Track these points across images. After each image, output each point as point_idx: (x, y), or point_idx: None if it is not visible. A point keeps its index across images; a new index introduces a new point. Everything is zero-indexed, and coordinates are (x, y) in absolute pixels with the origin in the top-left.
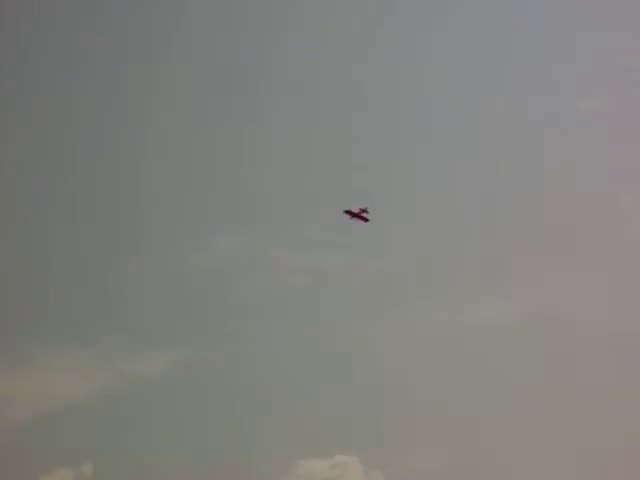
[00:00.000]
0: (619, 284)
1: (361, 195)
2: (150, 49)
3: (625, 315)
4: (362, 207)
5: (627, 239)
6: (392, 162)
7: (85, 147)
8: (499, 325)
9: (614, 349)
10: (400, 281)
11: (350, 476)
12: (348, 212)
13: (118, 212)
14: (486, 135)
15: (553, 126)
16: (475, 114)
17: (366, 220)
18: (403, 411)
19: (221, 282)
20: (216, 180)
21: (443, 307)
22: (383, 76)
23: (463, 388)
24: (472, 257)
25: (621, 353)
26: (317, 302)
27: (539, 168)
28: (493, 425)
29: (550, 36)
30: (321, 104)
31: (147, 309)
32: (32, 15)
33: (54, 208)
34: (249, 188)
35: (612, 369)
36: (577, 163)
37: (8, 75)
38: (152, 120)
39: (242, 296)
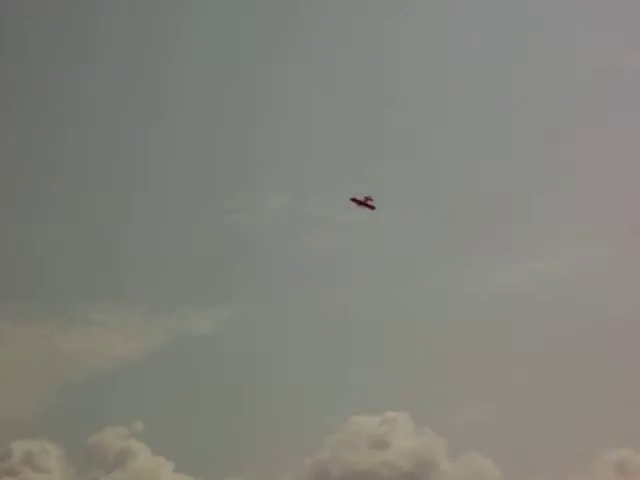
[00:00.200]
0: None
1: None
2: None
3: None
4: (367, 196)
5: None
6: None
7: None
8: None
9: None
10: (447, 238)
11: (400, 432)
12: (354, 200)
13: (169, 171)
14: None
15: None
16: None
17: (372, 207)
18: (452, 369)
19: (270, 240)
20: (266, 139)
21: (490, 265)
22: None
23: (510, 346)
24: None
25: None
26: (364, 259)
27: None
28: (538, 381)
29: None
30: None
31: (196, 268)
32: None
33: (104, 169)
34: (298, 147)
35: None
36: None
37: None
38: (205, 84)
39: (290, 254)
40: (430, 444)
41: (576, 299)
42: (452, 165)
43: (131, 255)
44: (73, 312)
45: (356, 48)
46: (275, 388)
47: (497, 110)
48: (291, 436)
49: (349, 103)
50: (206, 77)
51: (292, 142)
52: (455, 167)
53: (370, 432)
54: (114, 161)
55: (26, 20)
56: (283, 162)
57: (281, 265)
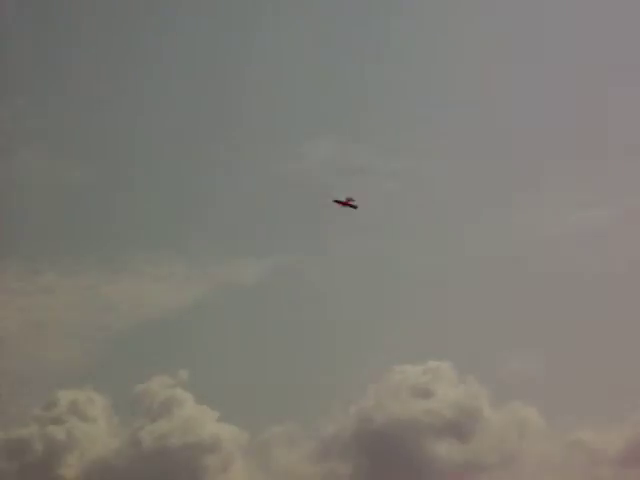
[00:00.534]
0: None
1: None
2: None
3: None
4: (348, 197)
5: None
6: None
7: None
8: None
9: None
10: (494, 187)
11: (443, 380)
12: (337, 201)
13: (215, 120)
14: None
15: None
16: None
17: (354, 207)
18: (497, 317)
19: (315, 190)
20: (312, 86)
21: (536, 213)
22: None
23: (557, 294)
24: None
25: None
26: (412, 208)
27: None
28: (584, 330)
29: None
30: None
31: (241, 217)
32: None
33: (154, 116)
34: (345, 94)
35: None
36: None
37: None
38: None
39: (334, 202)
40: (473, 393)
41: (623, 248)
42: (498, 117)
43: (176, 205)
44: (119, 262)
45: None
46: (319, 337)
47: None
48: (335, 385)
49: (395, 51)
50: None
51: (337, 90)
52: (502, 118)
53: (413, 381)
54: (165, 110)
55: None
56: (328, 110)
57: (326, 215)
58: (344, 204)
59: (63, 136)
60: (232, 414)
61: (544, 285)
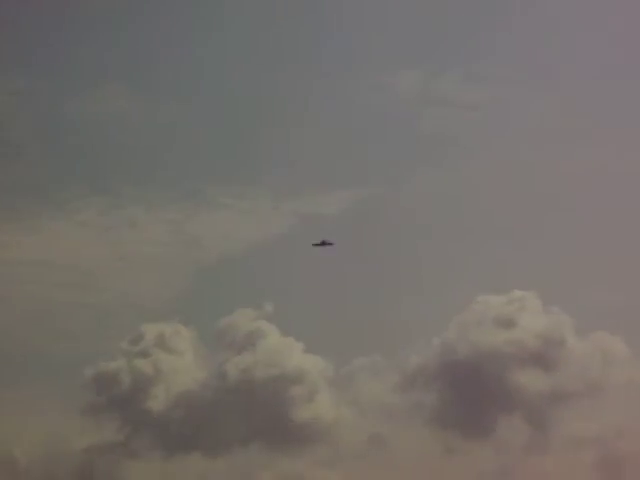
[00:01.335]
0: None
1: None
2: None
3: None
4: (325, 239)
5: None
6: None
7: None
8: None
9: None
10: (572, 116)
11: (527, 310)
12: (315, 244)
13: (300, 55)
14: None
15: None
16: None
17: (331, 244)
18: (581, 247)
19: (399, 120)
20: (398, 20)
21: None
22: None
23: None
24: None
25: None
26: (493, 138)
27: None
28: None
29: None
30: None
31: (323, 150)
32: None
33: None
34: (429, 27)
35: None
36: None
37: None
38: None
39: (420, 133)
40: (558, 322)
41: None
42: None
43: (259, 139)
44: (202, 197)
45: None
46: (402, 269)
47: None
48: (419, 317)
49: None
50: None
51: (423, 23)
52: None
53: (497, 311)
54: (247, 46)
55: None
56: (413, 42)
57: (408, 146)
58: (323, 244)
59: (145, 74)
60: (317, 346)
61: (631, 217)
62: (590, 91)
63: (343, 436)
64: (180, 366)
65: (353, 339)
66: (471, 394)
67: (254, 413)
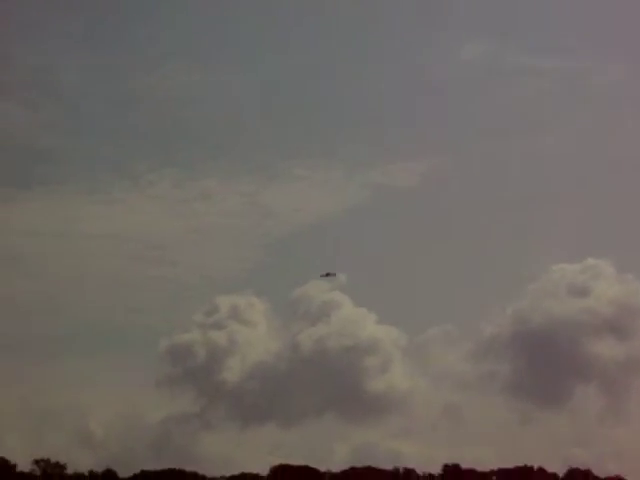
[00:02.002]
0: None
1: None
2: None
3: None
4: (329, 271)
5: None
6: None
7: None
8: None
9: None
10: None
11: (602, 279)
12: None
13: (367, 22)
14: None
15: None
16: None
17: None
18: None
19: (465, 91)
20: None
21: None
22: None
23: None
24: None
25: None
26: (568, 105)
27: None
28: None
29: None
30: None
31: (393, 122)
32: None
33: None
34: None
35: None
36: None
37: None
38: None
39: (489, 103)
40: (633, 290)
41: None
42: None
43: (332, 111)
44: (276, 168)
45: None
46: (475, 238)
47: None
48: (492, 286)
49: None
50: None
51: None
52: None
53: (571, 279)
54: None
55: None
56: (480, 10)
57: (478, 116)
58: (327, 275)
59: (215, 50)
60: (390, 316)
61: None
62: None
63: (417, 406)
64: (254, 338)
65: (426, 309)
66: (545, 363)
67: (328, 384)
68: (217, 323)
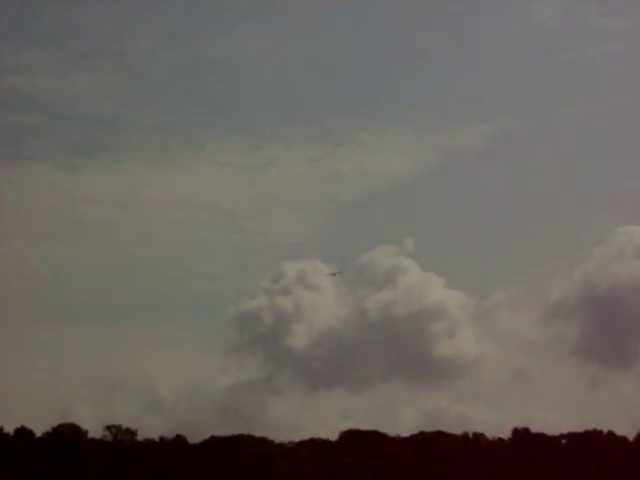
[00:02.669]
0: None
1: None
2: None
3: None
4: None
5: None
6: None
7: None
8: None
9: None
10: None
11: None
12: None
13: None
14: None
15: None
16: None
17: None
18: None
19: (537, 52)
20: None
21: None
22: None
23: None
24: None
25: None
26: (634, 68)
27: None
28: None
29: None
30: None
31: (461, 83)
32: None
33: None
34: None
35: None
36: None
37: None
38: None
39: (560, 64)
40: None
41: None
42: None
43: (396, 74)
44: (342, 133)
45: None
46: (542, 202)
47: None
48: (559, 250)
49: None
50: None
51: None
52: None
53: (638, 242)
54: None
55: None
56: None
57: (549, 77)
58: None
59: (281, 15)
60: (458, 281)
61: None
62: None
63: (485, 371)
64: (321, 303)
65: (494, 273)
66: (613, 326)
67: (395, 349)
68: (284, 289)
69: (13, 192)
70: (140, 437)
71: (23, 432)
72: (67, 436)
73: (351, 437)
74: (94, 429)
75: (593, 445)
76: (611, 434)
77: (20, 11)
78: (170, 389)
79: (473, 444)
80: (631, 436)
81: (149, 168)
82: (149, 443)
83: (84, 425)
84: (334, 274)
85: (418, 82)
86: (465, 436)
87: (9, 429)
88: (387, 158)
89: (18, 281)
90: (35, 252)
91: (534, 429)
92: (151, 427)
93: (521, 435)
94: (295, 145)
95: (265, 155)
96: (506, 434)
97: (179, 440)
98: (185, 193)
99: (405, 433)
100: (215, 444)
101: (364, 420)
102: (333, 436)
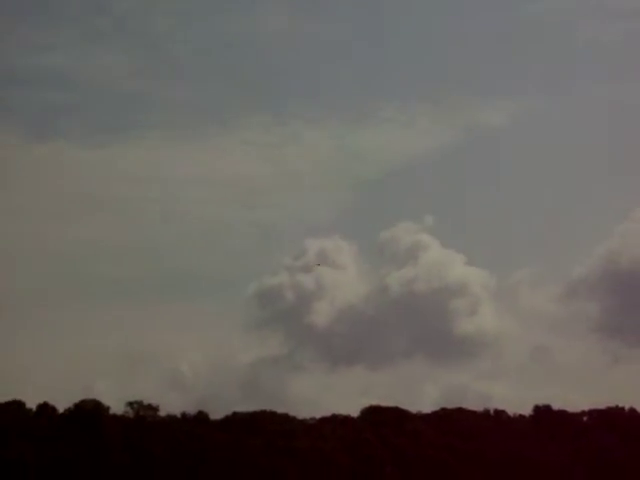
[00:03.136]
0: None
1: None
2: None
3: None
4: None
5: None
6: None
7: None
8: None
9: None
10: None
11: None
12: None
13: None
14: None
15: None
16: None
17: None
18: None
19: (559, 30)
20: None
21: None
22: None
23: None
24: None
25: None
26: None
27: None
28: None
29: None
30: None
31: (481, 57)
32: None
33: None
34: None
35: None
36: None
37: None
38: None
39: (580, 45)
40: None
41: None
42: None
43: (416, 50)
44: (363, 110)
45: None
46: (564, 177)
47: None
48: (580, 226)
49: None
50: None
51: None
52: None
53: None
54: None
55: None
56: None
57: (570, 56)
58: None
59: None
60: (479, 257)
61: None
62: None
63: (506, 348)
64: (342, 280)
65: (514, 250)
66: (635, 303)
67: (416, 326)
68: (305, 267)
69: (39, 171)
70: (162, 413)
71: (45, 408)
72: (89, 412)
73: (372, 413)
74: (116, 405)
75: (615, 422)
76: (633, 411)
77: None
78: (191, 365)
79: (494, 421)
80: None
81: (172, 145)
82: (171, 419)
83: (106, 401)
84: (319, 265)
85: (439, 58)
86: (486, 413)
87: (31, 405)
88: (408, 134)
89: (40, 259)
90: (58, 230)
91: (555, 406)
92: (172, 403)
93: (542, 412)
94: (317, 122)
95: (287, 132)
96: (527, 411)
97: (201, 416)
98: (208, 170)
99: (426, 410)
100: (237, 420)
101: (385, 397)
102: (354, 413)
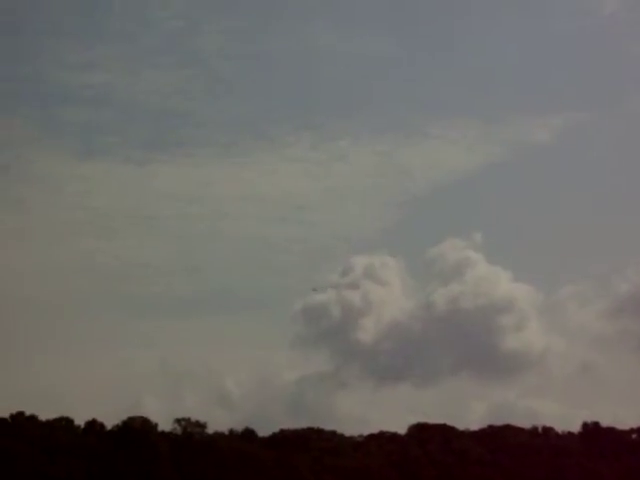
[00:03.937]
0: None
1: None
2: None
3: None
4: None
5: None
6: None
7: None
8: None
9: None
10: None
11: None
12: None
13: None
14: None
15: None
16: None
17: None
18: None
19: (606, 45)
20: None
21: None
22: None
23: None
24: None
25: None
26: None
27: None
28: None
29: None
30: None
31: (530, 74)
32: None
33: None
34: None
35: None
36: None
37: None
38: None
39: (629, 59)
40: None
41: None
42: None
43: (463, 67)
44: (410, 126)
45: None
46: (612, 194)
47: None
48: (628, 242)
49: None
50: None
51: None
52: None
53: None
54: None
55: None
56: None
57: (615, 70)
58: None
59: (350, 9)
60: (526, 274)
61: None
62: None
63: (553, 364)
64: (389, 297)
65: (561, 267)
66: None
67: (462, 343)
68: (352, 283)
69: (86, 188)
70: (210, 430)
71: (94, 425)
72: (137, 429)
73: (420, 430)
74: (163, 422)
75: None
76: None
77: (90, 8)
78: (237, 382)
79: (542, 438)
80: None
81: (218, 163)
82: (219, 436)
83: (154, 418)
84: (315, 290)
85: (487, 73)
86: (534, 430)
87: (80, 422)
88: (455, 151)
89: (88, 275)
90: (105, 247)
91: (604, 423)
92: (218, 420)
93: (591, 429)
94: (363, 138)
95: (333, 149)
96: (575, 428)
97: (248, 433)
98: (254, 187)
99: (473, 427)
100: (284, 437)
101: (432, 414)
102: (401, 430)
